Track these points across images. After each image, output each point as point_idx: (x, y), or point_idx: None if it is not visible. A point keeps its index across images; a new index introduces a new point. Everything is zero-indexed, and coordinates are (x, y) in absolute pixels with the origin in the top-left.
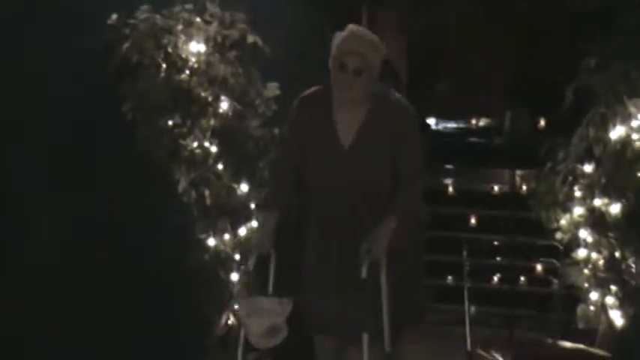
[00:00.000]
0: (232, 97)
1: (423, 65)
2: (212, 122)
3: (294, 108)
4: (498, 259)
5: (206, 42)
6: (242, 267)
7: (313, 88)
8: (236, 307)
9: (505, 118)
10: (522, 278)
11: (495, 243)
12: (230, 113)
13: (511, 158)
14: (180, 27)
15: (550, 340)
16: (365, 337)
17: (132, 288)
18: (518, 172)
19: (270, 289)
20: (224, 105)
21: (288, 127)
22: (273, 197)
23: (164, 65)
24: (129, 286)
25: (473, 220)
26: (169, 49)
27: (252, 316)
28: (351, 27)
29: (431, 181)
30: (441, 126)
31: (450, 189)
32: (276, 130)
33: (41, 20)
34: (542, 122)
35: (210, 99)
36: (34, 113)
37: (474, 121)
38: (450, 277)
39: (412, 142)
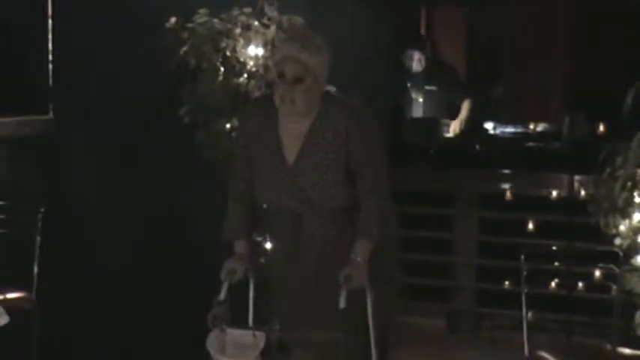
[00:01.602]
0: None
1: (481, 68)
2: None
3: (241, 120)
4: (556, 264)
5: (264, 45)
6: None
7: (262, 96)
8: (207, 342)
9: (564, 122)
10: (580, 284)
11: (553, 248)
12: None
13: (569, 163)
14: (238, 30)
15: (609, 347)
16: None
17: (190, 286)
18: (577, 177)
19: (250, 320)
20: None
21: (237, 141)
22: (237, 229)
23: (222, 68)
24: (187, 285)
25: (530, 225)
26: (227, 53)
27: (224, 352)
28: (291, 31)
29: (488, 184)
30: (498, 130)
31: (508, 194)
32: None
33: (107, 23)
34: (602, 127)
35: None
36: (99, 114)
37: (532, 126)
38: (507, 283)
39: (364, 147)
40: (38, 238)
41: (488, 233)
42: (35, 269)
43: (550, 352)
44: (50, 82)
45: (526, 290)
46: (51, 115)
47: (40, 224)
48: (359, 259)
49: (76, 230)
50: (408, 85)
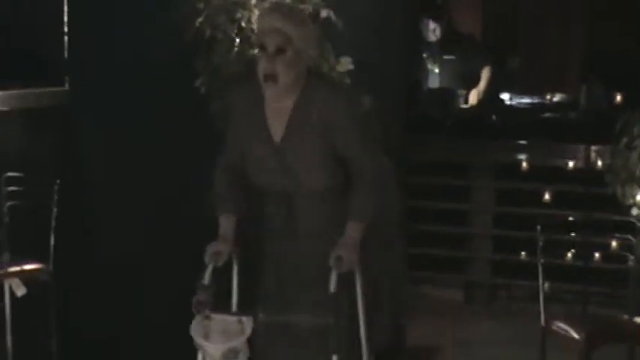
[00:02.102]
0: None
1: (497, 38)
2: None
3: (230, 99)
4: (572, 234)
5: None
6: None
7: (246, 74)
8: (191, 328)
9: (580, 92)
10: (597, 254)
11: (570, 219)
12: None
13: (586, 133)
14: (253, 1)
15: (625, 317)
16: (335, 359)
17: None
18: (594, 147)
19: (234, 305)
20: None
21: (227, 119)
22: (224, 201)
23: (237, 40)
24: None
25: (547, 196)
26: (243, 24)
27: (209, 339)
28: (271, 1)
29: (504, 155)
30: (514, 101)
31: (524, 164)
32: None
33: None
34: (619, 97)
35: None
36: (114, 85)
37: (548, 96)
38: (523, 253)
39: (349, 129)
40: (54, 210)
41: (504, 204)
42: (52, 241)
43: (566, 322)
44: (66, 54)
45: (542, 261)
46: (66, 87)
47: (56, 196)
48: (349, 240)
49: (91, 202)
50: (424, 55)
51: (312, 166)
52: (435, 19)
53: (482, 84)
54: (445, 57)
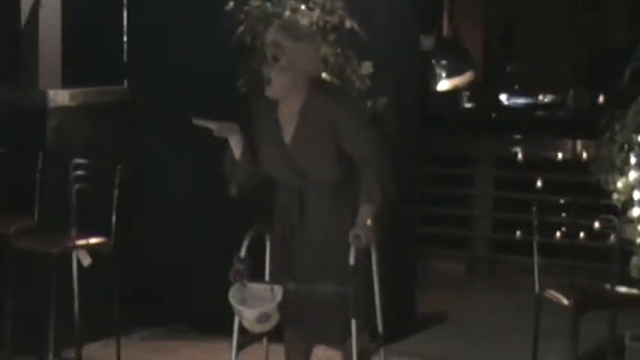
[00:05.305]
0: (331, 74)
1: (497, 45)
2: None
3: (254, 101)
4: (562, 216)
5: (310, 26)
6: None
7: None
8: (229, 294)
9: (568, 94)
10: (583, 234)
11: (560, 202)
12: None
13: (573, 129)
14: (287, 13)
15: (608, 287)
16: (353, 322)
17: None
18: (580, 141)
19: (267, 275)
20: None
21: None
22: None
23: None
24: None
25: (539, 183)
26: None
27: (244, 303)
28: (278, 22)
29: (502, 148)
30: (511, 101)
31: (520, 156)
32: (369, 103)
33: (175, 6)
34: (601, 98)
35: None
36: (167, 84)
37: (540, 97)
38: (518, 233)
39: (352, 126)
40: (116, 191)
41: (502, 190)
42: (114, 219)
43: (557, 290)
44: (125, 57)
45: (537, 238)
46: (126, 85)
47: (117, 180)
48: (362, 222)
49: (147, 185)
50: (432, 61)
51: (321, 163)
52: (428, 31)
53: (461, 79)
54: (442, 62)
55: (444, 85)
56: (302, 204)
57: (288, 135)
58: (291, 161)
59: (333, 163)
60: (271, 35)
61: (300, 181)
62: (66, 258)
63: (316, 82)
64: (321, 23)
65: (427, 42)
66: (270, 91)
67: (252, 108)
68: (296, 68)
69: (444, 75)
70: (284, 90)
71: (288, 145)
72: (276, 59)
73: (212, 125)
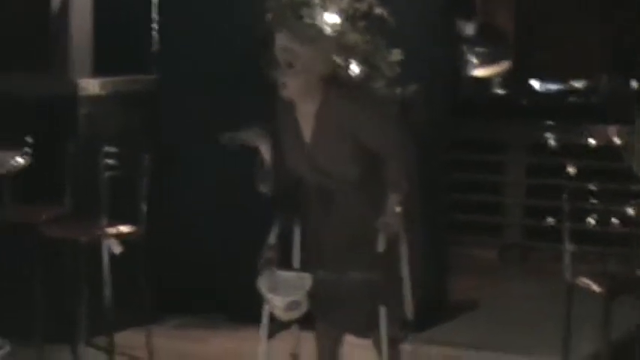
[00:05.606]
0: (361, 61)
1: (529, 30)
2: None
3: (277, 102)
4: (594, 202)
5: (339, 14)
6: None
7: None
8: (259, 281)
9: (601, 80)
10: (614, 220)
11: (591, 188)
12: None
13: (606, 116)
14: (316, 0)
15: (638, 273)
16: (382, 310)
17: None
18: (612, 127)
19: (296, 263)
20: (353, 68)
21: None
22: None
23: None
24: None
25: (571, 170)
26: (307, 21)
27: (274, 291)
28: (288, 25)
29: (534, 134)
30: (543, 87)
31: (551, 142)
32: (398, 90)
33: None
34: (635, 84)
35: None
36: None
37: (572, 83)
38: (549, 219)
39: (371, 122)
40: (145, 180)
41: (534, 176)
42: (143, 207)
43: (589, 277)
44: (154, 48)
45: (568, 225)
46: (155, 75)
47: (147, 167)
48: (390, 210)
49: (175, 173)
50: (464, 47)
51: (341, 163)
52: (469, 16)
53: (496, 69)
54: (478, 49)
55: (478, 72)
56: (328, 202)
57: (307, 134)
58: (312, 160)
59: (353, 163)
60: (281, 41)
61: (323, 180)
62: (96, 246)
63: (332, 82)
64: (350, 11)
65: (468, 28)
66: (285, 94)
67: (275, 105)
68: (309, 71)
69: (475, 61)
70: (299, 93)
71: (308, 145)
72: (290, 65)
73: (240, 137)
